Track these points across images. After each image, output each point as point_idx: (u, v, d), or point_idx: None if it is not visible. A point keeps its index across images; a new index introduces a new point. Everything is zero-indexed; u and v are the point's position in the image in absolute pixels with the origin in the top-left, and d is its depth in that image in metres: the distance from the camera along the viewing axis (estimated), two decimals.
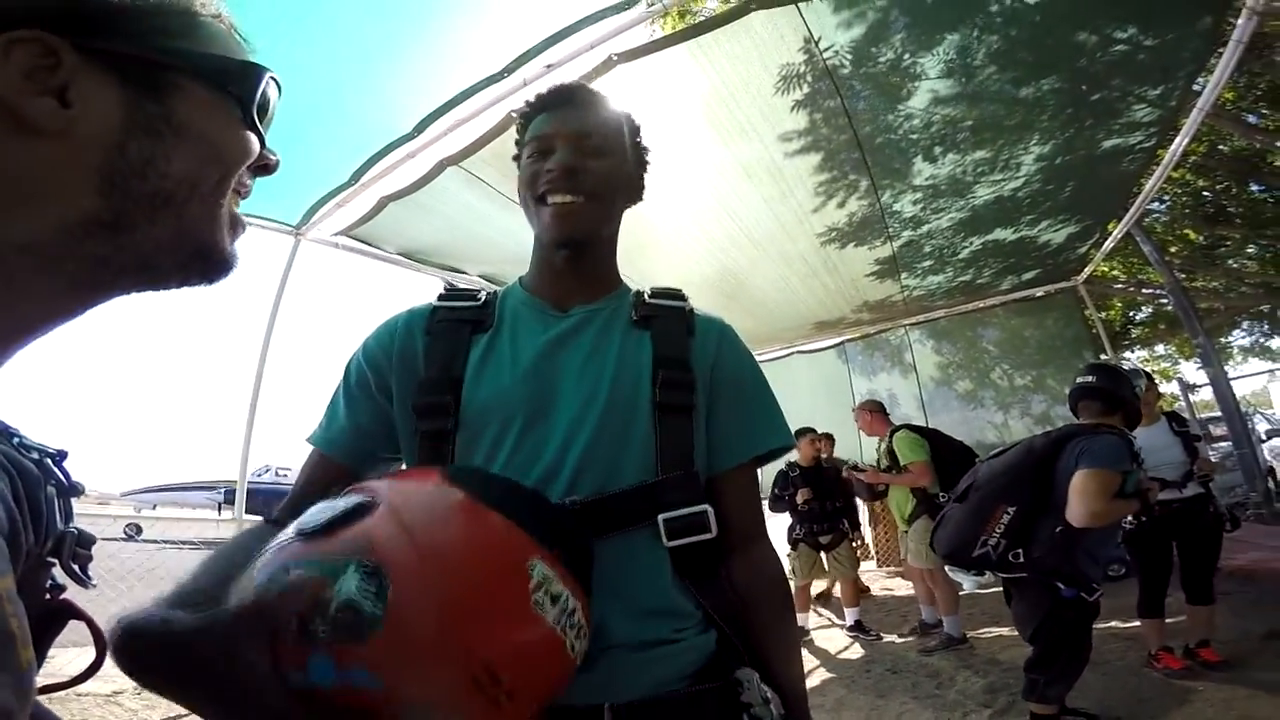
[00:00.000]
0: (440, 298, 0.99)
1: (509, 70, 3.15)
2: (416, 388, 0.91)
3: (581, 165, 0.93)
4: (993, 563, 2.64)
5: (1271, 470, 9.52)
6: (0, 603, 0.33)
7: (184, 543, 6.11)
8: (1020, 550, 2.59)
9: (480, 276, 5.51)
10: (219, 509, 15.45)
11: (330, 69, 3.04)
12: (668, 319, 0.96)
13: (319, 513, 0.60)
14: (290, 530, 0.60)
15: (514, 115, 3.29)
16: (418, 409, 0.90)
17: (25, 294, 0.40)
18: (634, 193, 1.06)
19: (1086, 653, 2.73)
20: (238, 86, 0.47)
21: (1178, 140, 4.22)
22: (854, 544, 5.72)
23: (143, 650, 0.52)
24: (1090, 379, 2.88)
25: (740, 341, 1.02)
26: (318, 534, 0.58)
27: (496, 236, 4.65)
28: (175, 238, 0.44)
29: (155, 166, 0.42)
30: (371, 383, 0.94)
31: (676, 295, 1.01)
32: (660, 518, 0.83)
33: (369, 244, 4.76)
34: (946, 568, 2.77)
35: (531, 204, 0.96)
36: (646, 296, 1.00)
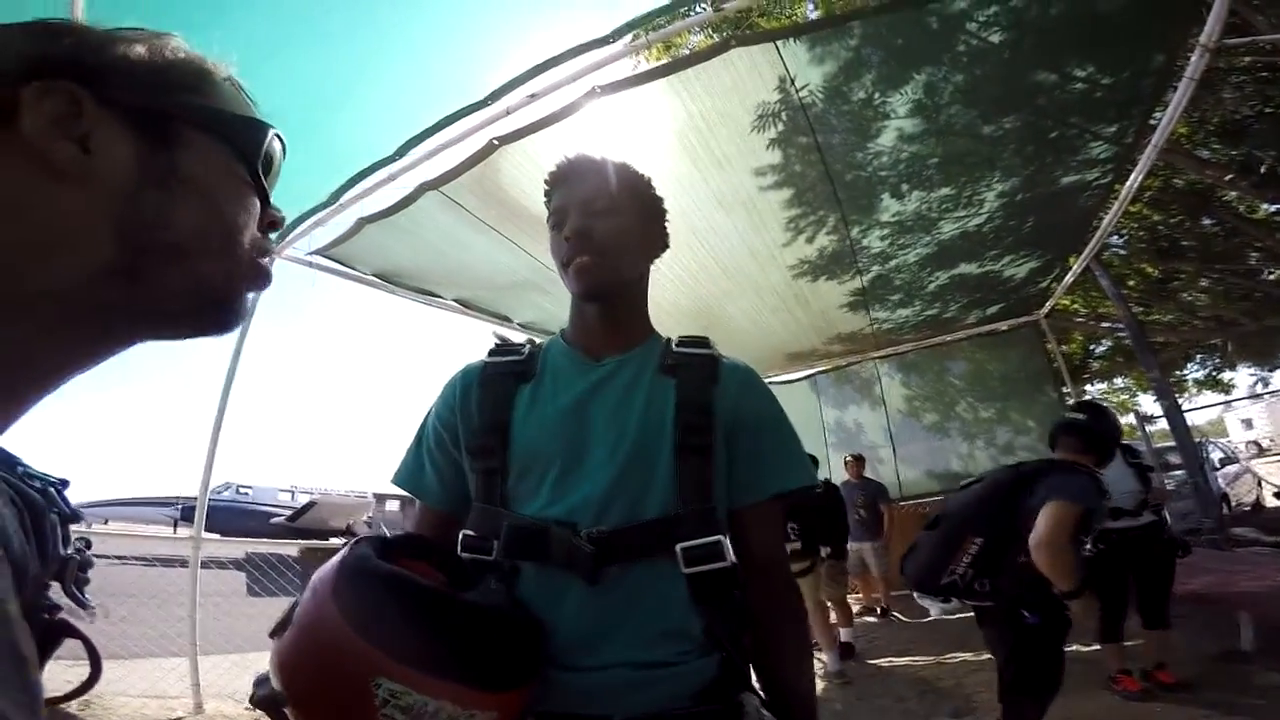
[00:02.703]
0: (489, 353, 1.12)
1: (493, 98, 3.17)
2: (470, 433, 1.03)
3: (591, 227, 1.04)
4: (959, 590, 2.69)
5: (1225, 497, 9.80)
6: (13, 626, 0.34)
7: (139, 559, 5.91)
8: (986, 580, 2.66)
9: (455, 300, 5.49)
10: (175, 525, 14.95)
11: (313, 90, 3.05)
12: (693, 367, 1.05)
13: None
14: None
15: (495, 142, 3.34)
16: (470, 450, 1.02)
17: (47, 343, 0.41)
18: (653, 242, 1.15)
19: (1059, 674, 2.77)
20: (242, 140, 0.49)
21: (1133, 176, 4.26)
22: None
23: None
24: (1080, 416, 2.90)
25: (762, 386, 1.10)
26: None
27: (473, 261, 4.66)
28: (191, 290, 0.46)
29: (164, 218, 0.44)
30: (446, 439, 1.06)
31: (703, 344, 1.09)
32: (679, 547, 0.92)
33: (344, 264, 4.74)
34: (915, 595, 2.84)
35: (560, 269, 1.08)
36: (674, 345, 1.09)
